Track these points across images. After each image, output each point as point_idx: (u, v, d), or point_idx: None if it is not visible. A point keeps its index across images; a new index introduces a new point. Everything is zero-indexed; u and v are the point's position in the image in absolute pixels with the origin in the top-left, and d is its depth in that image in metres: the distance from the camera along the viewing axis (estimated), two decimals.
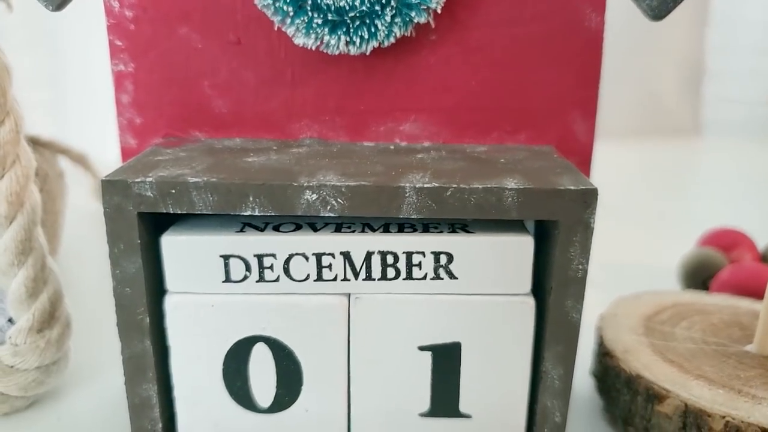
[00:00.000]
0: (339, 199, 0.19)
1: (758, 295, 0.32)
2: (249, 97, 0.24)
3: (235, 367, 0.21)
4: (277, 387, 0.21)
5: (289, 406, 0.21)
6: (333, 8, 0.21)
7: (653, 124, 0.83)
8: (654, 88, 0.83)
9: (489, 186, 0.19)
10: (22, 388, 0.25)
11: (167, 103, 0.24)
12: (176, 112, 0.24)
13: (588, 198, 0.19)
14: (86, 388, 0.27)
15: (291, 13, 0.21)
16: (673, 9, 0.22)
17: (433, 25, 0.22)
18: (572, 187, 0.19)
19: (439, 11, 0.22)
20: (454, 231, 0.20)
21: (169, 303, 0.20)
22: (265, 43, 0.23)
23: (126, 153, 0.24)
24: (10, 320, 0.26)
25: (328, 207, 0.19)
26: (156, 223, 0.20)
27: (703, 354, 0.25)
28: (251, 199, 0.19)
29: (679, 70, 0.83)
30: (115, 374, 0.27)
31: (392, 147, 0.24)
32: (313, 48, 0.22)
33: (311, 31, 0.21)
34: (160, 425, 0.22)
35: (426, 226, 0.21)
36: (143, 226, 0.20)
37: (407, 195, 0.19)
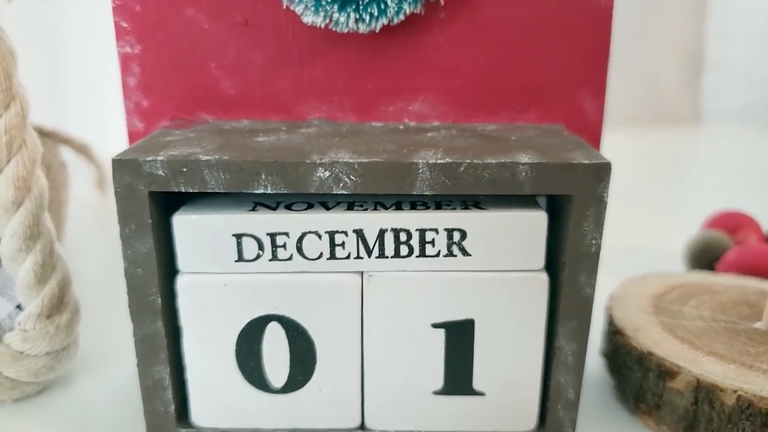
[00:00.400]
0: (352, 176, 0.19)
1: (765, 275, 0.32)
2: (256, 78, 0.24)
3: (248, 347, 0.21)
4: (290, 367, 0.21)
5: (302, 386, 0.21)
6: None
7: (653, 112, 0.83)
8: (654, 76, 0.83)
9: (503, 161, 0.19)
10: (32, 373, 0.25)
11: (174, 85, 0.24)
12: (183, 95, 0.24)
13: (602, 172, 0.19)
14: (96, 374, 0.27)
15: None
16: None
17: (442, 3, 0.22)
18: (586, 162, 0.19)
19: None
20: (467, 208, 0.20)
21: (181, 283, 0.20)
22: (272, 23, 0.23)
23: (133, 136, 0.24)
24: (19, 306, 0.26)
25: (341, 184, 0.19)
26: (167, 203, 0.20)
27: (713, 331, 0.25)
28: (263, 176, 0.19)
29: (678, 58, 0.83)
30: (124, 359, 0.27)
31: (401, 127, 0.23)
32: (322, 26, 0.22)
33: (320, 9, 0.21)
34: (172, 407, 0.21)
35: (438, 203, 0.20)
36: (154, 206, 0.19)
37: (420, 171, 0.19)
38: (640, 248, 0.42)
